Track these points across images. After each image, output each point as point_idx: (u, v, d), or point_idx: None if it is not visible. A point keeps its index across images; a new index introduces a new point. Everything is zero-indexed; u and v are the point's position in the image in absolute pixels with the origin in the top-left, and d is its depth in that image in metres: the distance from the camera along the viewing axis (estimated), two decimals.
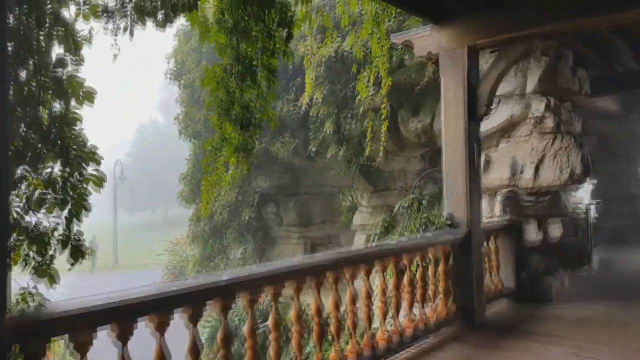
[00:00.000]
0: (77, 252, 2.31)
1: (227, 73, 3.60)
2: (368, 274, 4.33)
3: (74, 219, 2.34)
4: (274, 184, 12.04)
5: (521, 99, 7.10)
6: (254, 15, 3.65)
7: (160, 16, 2.88)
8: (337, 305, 3.94)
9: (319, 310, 3.78)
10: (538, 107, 6.90)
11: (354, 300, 4.15)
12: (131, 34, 2.86)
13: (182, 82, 12.75)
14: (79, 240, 2.33)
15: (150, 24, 2.91)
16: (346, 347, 4.08)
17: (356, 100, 7.23)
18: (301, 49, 6.59)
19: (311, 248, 12.25)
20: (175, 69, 12.95)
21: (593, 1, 5.05)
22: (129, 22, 2.80)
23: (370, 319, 4.35)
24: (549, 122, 6.85)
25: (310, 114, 9.43)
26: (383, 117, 7.03)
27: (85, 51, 2.61)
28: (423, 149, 9.81)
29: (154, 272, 16.87)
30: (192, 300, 2.69)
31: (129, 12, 2.76)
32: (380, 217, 7.91)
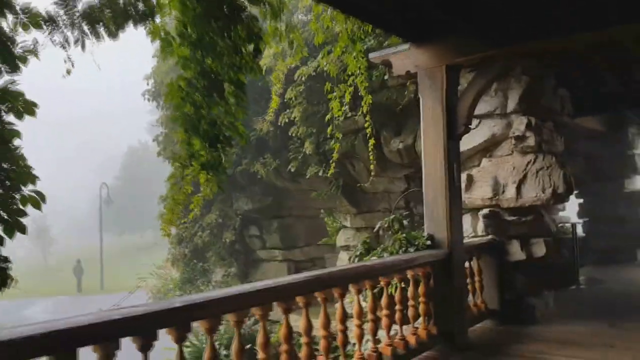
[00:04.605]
0: (1, 279, 2.15)
1: (192, 87, 3.48)
2: (343, 296, 4.18)
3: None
4: (256, 206, 11.87)
5: (502, 118, 7.05)
6: (220, 30, 3.55)
7: (112, 26, 2.76)
8: (308, 331, 3.76)
9: (289, 337, 3.60)
10: (519, 126, 6.84)
11: (327, 324, 3.98)
12: (82, 46, 2.73)
13: (161, 102, 12.60)
14: (5, 267, 2.16)
15: (104, 37, 2.78)
16: None
17: (335, 120, 7.14)
18: (279, 67, 6.54)
19: (295, 271, 12.05)
20: (154, 89, 12.82)
21: (570, 19, 5.03)
22: (79, 34, 2.68)
23: (345, 343, 4.18)
24: (530, 141, 6.79)
25: (291, 134, 9.33)
26: (368, 136, 6.95)
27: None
28: (407, 169, 9.71)
29: (139, 295, 16.58)
30: (140, 330, 2.51)
31: (76, 22, 2.63)
32: (366, 238, 7.75)
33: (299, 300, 3.72)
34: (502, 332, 5.97)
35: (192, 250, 11.94)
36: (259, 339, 3.40)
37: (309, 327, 3.74)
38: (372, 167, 7.50)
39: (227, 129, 3.57)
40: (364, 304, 4.49)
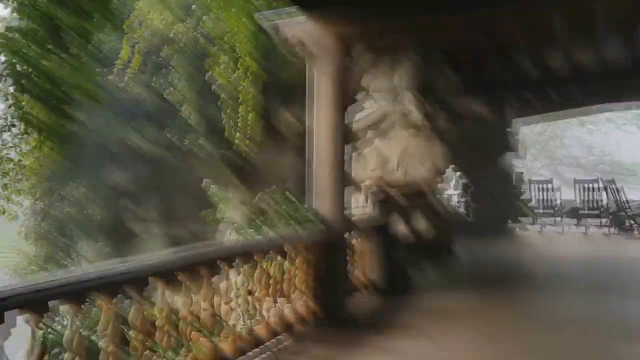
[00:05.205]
0: None
1: (29, 38, 2.86)
2: (212, 275, 3.81)
3: None
4: (132, 177, 10.93)
5: (391, 95, 7.03)
6: None
7: None
8: (168, 315, 3.34)
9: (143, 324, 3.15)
10: (406, 104, 6.87)
11: (195, 304, 3.61)
12: None
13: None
14: None
15: None
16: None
17: (222, 88, 6.64)
18: (156, 23, 5.89)
19: (177, 247, 11.33)
20: None
21: None
22: None
23: (214, 324, 3.82)
24: (417, 119, 6.85)
25: (173, 101, 8.61)
26: (250, 107, 6.58)
27: None
28: (297, 142, 9.48)
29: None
30: None
31: None
32: (249, 213, 7.43)
33: (155, 281, 3.26)
34: (383, 304, 6.01)
35: (54, 224, 10.71)
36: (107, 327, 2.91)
37: (173, 310, 3.35)
38: (250, 141, 7.15)
39: (74, 88, 3.00)
40: (240, 281, 4.19)
